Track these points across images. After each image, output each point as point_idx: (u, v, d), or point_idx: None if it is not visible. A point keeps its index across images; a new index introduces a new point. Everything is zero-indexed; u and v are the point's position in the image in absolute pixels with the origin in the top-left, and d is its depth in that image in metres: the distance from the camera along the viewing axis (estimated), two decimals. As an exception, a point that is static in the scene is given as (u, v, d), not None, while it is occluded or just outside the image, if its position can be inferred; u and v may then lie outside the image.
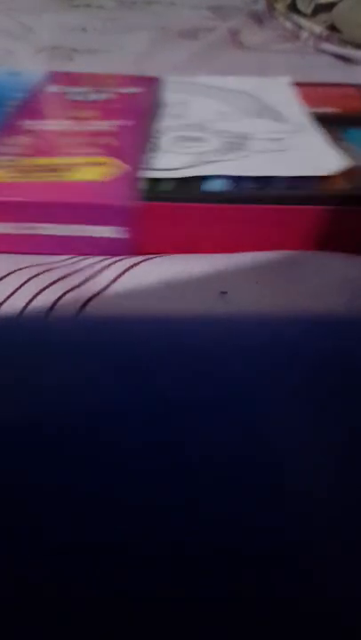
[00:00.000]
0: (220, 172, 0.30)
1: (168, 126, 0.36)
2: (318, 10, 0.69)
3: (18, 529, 0.09)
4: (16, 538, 0.09)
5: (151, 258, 0.29)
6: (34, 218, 0.28)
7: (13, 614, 0.08)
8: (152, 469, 0.09)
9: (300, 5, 0.71)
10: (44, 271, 0.28)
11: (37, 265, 0.28)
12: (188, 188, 0.29)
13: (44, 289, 0.26)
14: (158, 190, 0.29)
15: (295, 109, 0.38)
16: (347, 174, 0.30)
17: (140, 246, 0.29)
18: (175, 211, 0.28)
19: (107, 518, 0.09)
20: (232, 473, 0.09)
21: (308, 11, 0.70)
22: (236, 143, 0.33)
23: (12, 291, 0.26)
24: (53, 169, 0.30)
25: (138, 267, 0.28)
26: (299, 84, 0.43)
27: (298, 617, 0.08)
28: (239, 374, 0.11)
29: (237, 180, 0.29)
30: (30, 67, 0.53)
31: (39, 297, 0.26)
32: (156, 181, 0.29)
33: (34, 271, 0.28)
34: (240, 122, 0.36)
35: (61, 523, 0.09)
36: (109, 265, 0.28)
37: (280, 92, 0.41)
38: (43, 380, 0.11)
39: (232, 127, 0.35)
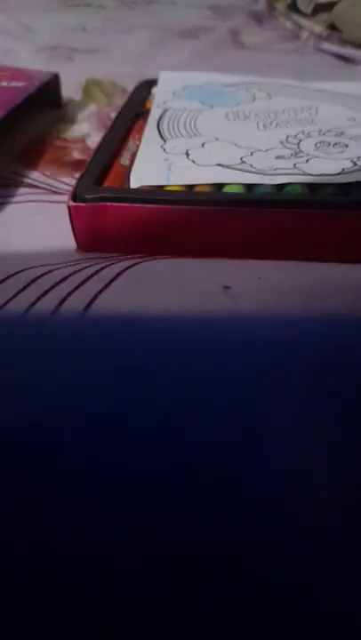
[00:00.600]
0: None
1: (303, 132, 0.35)
2: (318, 9, 0.69)
3: (17, 529, 0.09)
4: (16, 538, 0.09)
5: (152, 258, 0.29)
6: None
7: (13, 615, 0.08)
8: (152, 469, 0.09)
9: (301, 5, 0.71)
10: (46, 272, 0.28)
11: (40, 266, 0.28)
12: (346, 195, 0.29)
13: (47, 290, 0.26)
14: (319, 195, 0.29)
15: None
16: None
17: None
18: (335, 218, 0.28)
19: (106, 518, 0.09)
20: (232, 473, 0.10)
21: (309, 10, 0.70)
22: None
23: (15, 292, 0.26)
24: None
25: (138, 266, 0.28)
26: None
27: (298, 617, 0.08)
28: (239, 374, 0.11)
29: None
30: (31, 66, 0.53)
31: (43, 298, 0.26)
32: (315, 186, 0.29)
33: (38, 272, 0.28)
34: None
35: (61, 523, 0.09)
36: (111, 264, 0.28)
37: None
38: (43, 381, 0.11)
39: None
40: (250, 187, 0.30)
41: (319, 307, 0.25)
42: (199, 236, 0.29)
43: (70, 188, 0.30)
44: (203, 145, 0.34)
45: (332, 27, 0.67)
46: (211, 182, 0.30)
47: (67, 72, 0.49)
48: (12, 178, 0.37)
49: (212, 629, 0.08)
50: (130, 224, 0.29)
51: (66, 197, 0.30)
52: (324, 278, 0.27)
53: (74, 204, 0.29)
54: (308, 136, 0.35)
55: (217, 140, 0.35)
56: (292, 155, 0.32)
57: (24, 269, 0.28)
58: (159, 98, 0.42)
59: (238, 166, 0.31)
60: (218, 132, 0.36)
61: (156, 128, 0.36)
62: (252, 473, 0.09)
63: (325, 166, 0.31)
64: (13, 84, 0.41)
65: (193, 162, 0.32)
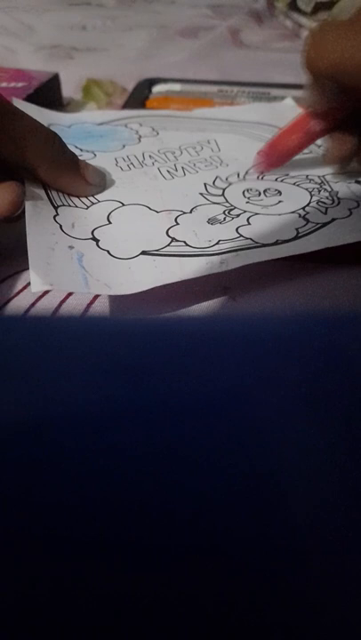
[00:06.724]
0: None
1: (219, 177, 0.29)
2: (318, 8, 0.69)
3: (17, 531, 0.09)
4: (16, 539, 0.09)
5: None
6: None
7: (14, 616, 0.08)
8: (151, 470, 0.09)
9: (301, 4, 0.71)
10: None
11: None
12: None
13: (47, 290, 0.26)
14: None
15: None
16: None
17: None
18: None
19: (106, 520, 0.09)
20: (233, 473, 0.10)
21: (309, 9, 0.70)
22: None
23: (15, 292, 0.26)
24: None
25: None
26: None
27: (300, 619, 0.08)
28: (239, 374, 0.11)
29: None
30: (31, 65, 0.53)
31: (43, 298, 0.26)
32: None
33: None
34: None
35: (60, 524, 0.09)
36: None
37: None
38: (43, 381, 0.11)
39: None
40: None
41: (318, 306, 0.25)
42: None
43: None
44: (108, 219, 0.23)
45: (333, 25, 0.67)
46: (147, 288, 0.21)
47: (67, 71, 0.49)
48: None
49: (210, 635, 0.08)
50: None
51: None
52: (324, 279, 0.27)
53: None
54: (228, 182, 0.27)
55: (122, 205, 0.24)
56: (225, 212, 0.24)
57: (24, 269, 0.28)
58: None
59: (168, 249, 0.22)
60: (118, 191, 0.25)
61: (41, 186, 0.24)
62: (252, 472, 0.10)
63: (272, 229, 0.22)
64: (13, 84, 0.41)
65: (108, 252, 0.22)
